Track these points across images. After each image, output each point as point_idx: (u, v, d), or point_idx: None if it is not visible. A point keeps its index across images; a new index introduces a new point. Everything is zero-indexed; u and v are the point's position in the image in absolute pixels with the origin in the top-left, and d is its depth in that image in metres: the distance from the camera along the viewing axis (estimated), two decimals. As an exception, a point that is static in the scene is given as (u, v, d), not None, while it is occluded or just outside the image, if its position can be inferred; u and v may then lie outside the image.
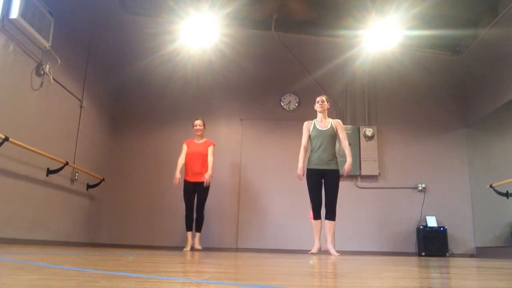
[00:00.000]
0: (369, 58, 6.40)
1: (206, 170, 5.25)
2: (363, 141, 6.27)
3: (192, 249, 5.16)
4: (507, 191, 4.97)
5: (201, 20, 5.47)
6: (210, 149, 5.38)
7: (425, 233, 5.77)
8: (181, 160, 5.30)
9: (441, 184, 6.21)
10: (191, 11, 5.38)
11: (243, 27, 6.00)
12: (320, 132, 4.43)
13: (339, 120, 4.62)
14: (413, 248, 6.00)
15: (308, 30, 6.16)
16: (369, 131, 6.25)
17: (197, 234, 5.23)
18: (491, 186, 5.24)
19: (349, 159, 4.38)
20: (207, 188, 5.23)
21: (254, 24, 6.03)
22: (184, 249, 5.15)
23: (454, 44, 6.17)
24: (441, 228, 5.79)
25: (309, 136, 4.52)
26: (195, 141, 5.40)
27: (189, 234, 5.22)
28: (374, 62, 6.46)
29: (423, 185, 6.19)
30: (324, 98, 4.56)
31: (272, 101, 6.58)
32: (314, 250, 4.46)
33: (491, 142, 5.90)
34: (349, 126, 6.37)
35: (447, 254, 5.72)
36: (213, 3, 5.27)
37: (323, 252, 4.66)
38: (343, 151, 4.59)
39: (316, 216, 4.39)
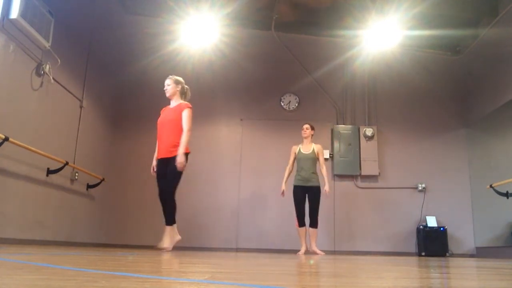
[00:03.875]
0: (369, 58, 6.40)
1: (179, 143, 3.98)
2: (363, 141, 6.27)
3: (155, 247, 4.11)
4: (507, 191, 4.97)
5: (201, 20, 5.47)
6: (185, 113, 4.05)
7: (425, 233, 5.77)
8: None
9: (441, 184, 6.21)
10: (191, 11, 5.38)
11: (243, 27, 6.00)
12: (304, 155, 5.13)
13: (320, 146, 5.25)
14: (413, 248, 6.00)
15: (308, 30, 6.16)
16: (369, 131, 6.26)
17: (167, 229, 3.99)
18: (491, 186, 5.24)
19: (326, 184, 5.03)
20: (176, 168, 3.90)
21: (254, 24, 6.03)
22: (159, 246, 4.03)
23: (454, 44, 6.18)
24: (441, 228, 5.79)
25: (295, 158, 5.21)
26: (169, 106, 4.30)
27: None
28: (374, 62, 6.46)
29: (423, 185, 6.19)
30: (308, 125, 5.24)
31: (272, 101, 6.58)
32: (302, 252, 5.07)
33: (491, 142, 5.90)
34: (349, 126, 6.37)
35: (447, 254, 5.72)
36: (213, 3, 5.27)
37: (310, 253, 5.17)
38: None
39: (301, 224, 5.08)
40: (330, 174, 6.27)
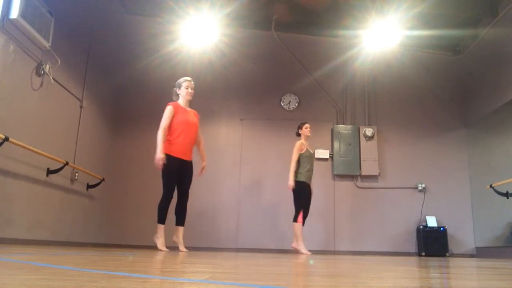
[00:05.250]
0: (369, 58, 6.40)
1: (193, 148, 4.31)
2: (363, 141, 6.27)
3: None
4: (507, 191, 4.97)
5: (201, 20, 5.47)
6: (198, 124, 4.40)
7: (425, 233, 5.77)
8: (165, 131, 4.09)
9: (441, 184, 6.21)
10: (191, 11, 5.37)
11: (243, 27, 5.99)
12: (311, 154, 5.22)
13: None
14: (413, 248, 6.00)
15: (308, 30, 6.15)
16: (369, 131, 6.26)
17: (181, 230, 4.27)
18: (491, 186, 5.24)
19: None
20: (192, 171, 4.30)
21: (254, 24, 6.03)
22: (163, 249, 4.18)
23: (454, 44, 6.17)
24: (441, 228, 5.79)
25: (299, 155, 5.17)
26: (183, 106, 4.30)
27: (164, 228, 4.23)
28: (374, 62, 6.46)
29: (423, 185, 6.19)
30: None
31: (272, 101, 6.58)
32: (306, 251, 4.95)
33: (491, 142, 5.90)
34: (349, 126, 6.37)
35: (447, 254, 5.72)
36: (213, 3, 5.26)
37: (297, 252, 5.06)
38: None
39: (304, 221, 5.04)
40: (330, 174, 6.28)
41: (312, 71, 6.59)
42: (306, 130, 5.21)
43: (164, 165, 4.00)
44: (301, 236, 4.96)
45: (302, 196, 5.02)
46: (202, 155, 4.46)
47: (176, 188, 4.21)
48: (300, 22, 6.05)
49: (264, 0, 5.54)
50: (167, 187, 4.10)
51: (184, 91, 4.28)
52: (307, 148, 5.15)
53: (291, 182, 4.98)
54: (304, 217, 5.02)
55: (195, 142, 4.33)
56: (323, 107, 6.54)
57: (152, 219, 6.07)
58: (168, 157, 4.06)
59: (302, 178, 5.04)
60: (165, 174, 4.08)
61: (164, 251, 4.01)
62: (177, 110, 4.21)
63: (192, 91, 4.33)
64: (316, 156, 6.18)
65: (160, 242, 4.17)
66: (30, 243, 4.17)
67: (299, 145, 5.13)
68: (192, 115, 4.31)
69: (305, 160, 5.10)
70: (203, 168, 4.38)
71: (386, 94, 6.58)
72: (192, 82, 4.36)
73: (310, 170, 5.11)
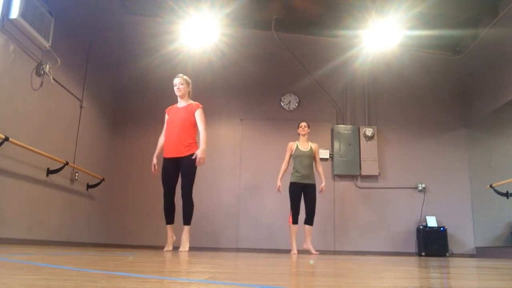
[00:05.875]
0: (369, 58, 6.40)
1: (192, 143, 4.10)
2: (363, 141, 6.27)
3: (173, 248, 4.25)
4: (507, 191, 4.97)
5: (201, 20, 5.47)
6: (198, 113, 4.14)
7: (425, 233, 5.77)
8: (162, 138, 4.24)
9: (441, 184, 6.21)
10: (191, 11, 5.37)
11: (243, 27, 5.99)
12: (303, 152, 5.10)
13: (316, 145, 5.28)
14: (413, 248, 6.00)
15: (308, 30, 6.15)
16: (369, 131, 6.26)
17: (185, 229, 4.14)
18: (491, 186, 5.24)
19: (323, 182, 5.19)
20: (193, 165, 4.02)
21: (254, 24, 6.02)
22: (165, 249, 4.18)
23: (454, 44, 6.17)
24: (441, 228, 5.79)
25: (291, 155, 5.18)
26: (177, 105, 4.30)
27: (170, 228, 4.21)
28: (374, 62, 6.46)
29: (423, 185, 6.19)
30: (306, 123, 5.22)
31: (272, 101, 6.58)
32: (295, 252, 4.94)
33: (491, 142, 5.90)
34: (349, 126, 6.38)
35: (447, 254, 5.72)
36: (213, 3, 5.26)
37: (304, 251, 5.12)
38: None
39: (296, 221, 4.99)
40: (330, 174, 6.28)
41: (312, 71, 6.59)
42: (299, 129, 5.20)
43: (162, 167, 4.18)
44: (293, 235, 4.99)
45: (290, 197, 5.05)
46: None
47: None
48: (300, 22, 6.04)
49: (264, 0, 5.53)
50: (163, 188, 4.14)
51: (174, 89, 4.27)
52: (297, 147, 5.12)
53: (277, 183, 5.10)
54: (308, 218, 4.99)
55: (185, 136, 4.07)
56: (323, 107, 6.54)
57: (152, 219, 6.09)
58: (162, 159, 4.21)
59: (291, 179, 5.09)
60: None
61: (165, 251, 4.00)
62: (168, 113, 4.29)
63: (181, 86, 4.19)
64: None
65: (167, 242, 4.20)
66: (30, 243, 4.17)
67: (289, 146, 5.21)
68: (183, 111, 4.16)
69: (295, 161, 5.11)
70: (196, 156, 3.98)
71: (386, 94, 6.58)
72: (184, 78, 4.24)
73: (301, 170, 5.02)
